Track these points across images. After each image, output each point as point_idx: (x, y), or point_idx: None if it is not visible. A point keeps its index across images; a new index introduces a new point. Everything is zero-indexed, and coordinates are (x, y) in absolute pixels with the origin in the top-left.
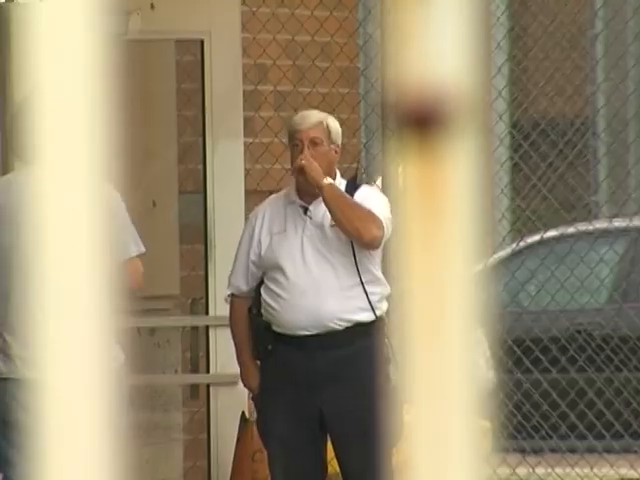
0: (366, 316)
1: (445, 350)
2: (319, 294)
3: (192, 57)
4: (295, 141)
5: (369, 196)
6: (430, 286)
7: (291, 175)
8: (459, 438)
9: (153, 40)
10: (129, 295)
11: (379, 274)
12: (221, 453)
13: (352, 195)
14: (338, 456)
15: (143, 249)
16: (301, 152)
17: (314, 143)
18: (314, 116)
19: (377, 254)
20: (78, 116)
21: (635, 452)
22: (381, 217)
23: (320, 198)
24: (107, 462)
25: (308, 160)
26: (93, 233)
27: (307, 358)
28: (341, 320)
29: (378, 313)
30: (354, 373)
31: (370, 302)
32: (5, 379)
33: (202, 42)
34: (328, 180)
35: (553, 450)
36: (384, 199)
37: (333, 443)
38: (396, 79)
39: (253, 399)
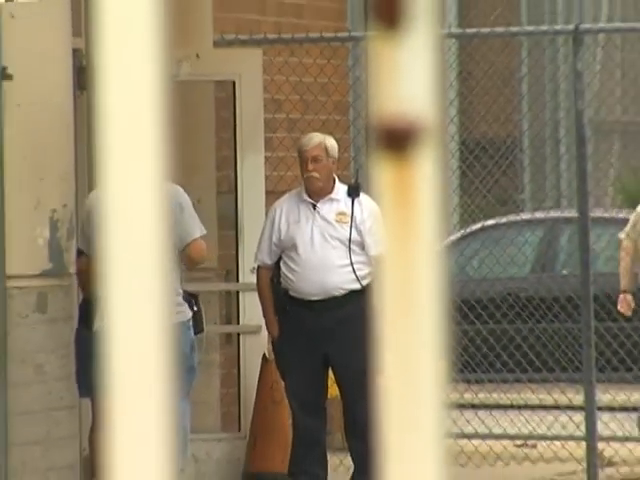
0: (356, 286)
1: (417, 307)
2: (323, 269)
3: (226, 93)
4: (302, 157)
5: (366, 202)
6: (404, 260)
7: (303, 181)
8: (428, 374)
9: (198, 81)
10: (196, 265)
11: (365, 258)
12: (248, 383)
13: (354, 200)
14: (338, 383)
15: (205, 231)
16: (307, 166)
17: (315, 159)
18: (316, 138)
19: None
20: (147, 134)
21: (551, 382)
22: (371, 214)
23: (324, 199)
24: (168, 395)
25: None
26: (158, 221)
27: (315, 316)
28: (340, 289)
29: (364, 283)
30: (348, 326)
31: (357, 276)
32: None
33: (234, 82)
34: None
35: (490, 380)
36: (372, 201)
37: (335, 374)
38: (377, 109)
39: (272, 344)
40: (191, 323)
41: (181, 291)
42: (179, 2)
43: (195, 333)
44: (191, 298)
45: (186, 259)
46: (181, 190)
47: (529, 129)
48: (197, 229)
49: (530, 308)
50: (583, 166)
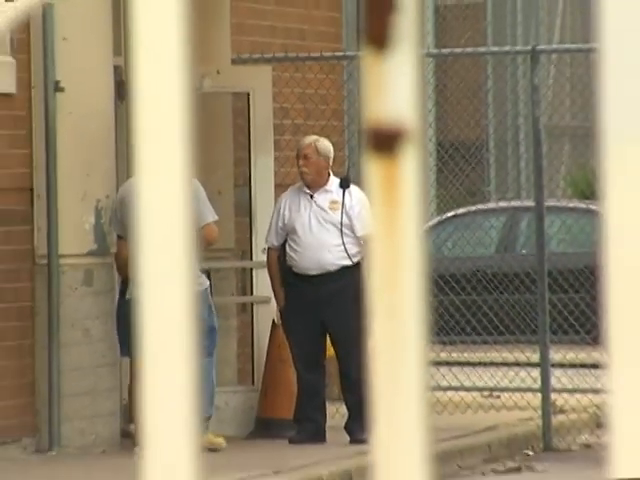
0: (347, 262)
1: (402, 281)
2: (320, 249)
3: (242, 104)
4: (297, 155)
5: (355, 192)
6: (392, 240)
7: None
8: (412, 337)
9: (218, 93)
10: (209, 246)
11: (354, 239)
12: (260, 344)
13: (345, 190)
14: (333, 344)
15: (216, 217)
16: (299, 161)
17: (305, 157)
18: (308, 139)
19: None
20: (175, 137)
21: (512, 343)
22: (366, 206)
23: (320, 189)
24: (192, 352)
25: None
26: (184, 207)
27: (313, 288)
28: (333, 264)
29: (354, 260)
30: (342, 296)
31: (348, 254)
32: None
33: (248, 94)
34: None
35: (462, 342)
36: (365, 197)
37: (330, 337)
38: (368, 116)
39: (279, 312)
40: (208, 291)
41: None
42: (202, 26)
43: None
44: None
45: (200, 240)
46: (194, 181)
47: (494, 133)
48: (209, 215)
49: (495, 282)
50: (539, 163)
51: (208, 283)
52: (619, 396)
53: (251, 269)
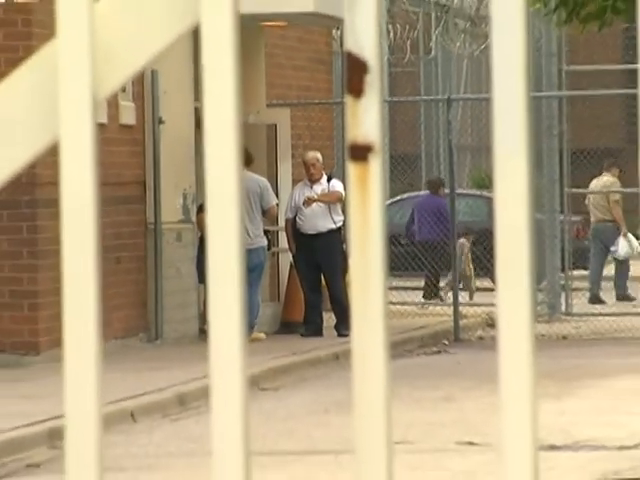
0: (332, 226)
1: (370, 237)
2: (315, 218)
3: (272, 132)
4: (306, 164)
5: (335, 183)
6: (364, 213)
7: (306, 175)
8: (376, 271)
9: (258, 124)
10: (272, 219)
11: (339, 209)
12: (282, 277)
13: (329, 181)
14: (324, 275)
15: (277, 201)
16: (308, 169)
17: (313, 165)
18: (311, 154)
19: (338, 203)
20: (231, 153)
21: (436, 276)
22: (341, 191)
23: (316, 183)
24: (242, 281)
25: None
26: (238, 195)
27: (311, 242)
28: (324, 227)
29: (337, 226)
30: (329, 246)
31: (333, 221)
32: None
33: (276, 125)
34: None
35: (405, 275)
36: (341, 184)
37: (322, 272)
38: (350, 137)
39: (292, 257)
40: (266, 246)
41: (262, 229)
42: (248, 84)
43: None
44: (266, 233)
45: (267, 216)
46: (264, 179)
47: (425, 149)
48: (273, 200)
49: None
50: (452, 168)
51: (266, 241)
52: (501, 307)
53: (278, 232)
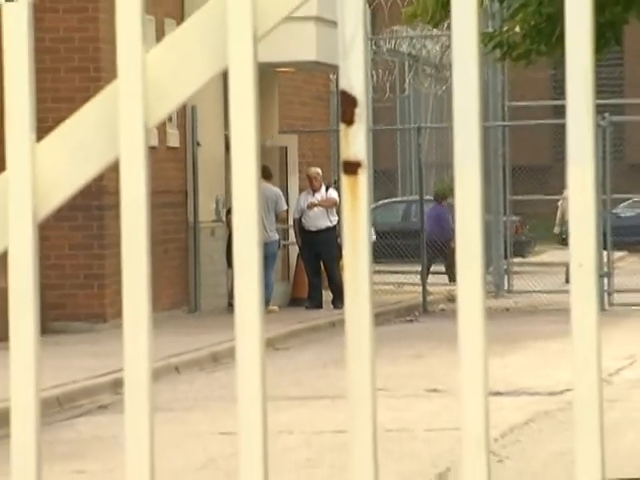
0: (329, 224)
1: (359, 234)
2: (316, 218)
3: (283, 153)
4: (309, 177)
5: (332, 192)
6: (355, 215)
7: (309, 186)
8: (363, 260)
9: (273, 147)
10: (283, 221)
11: (334, 211)
12: (291, 263)
13: (327, 190)
14: (323, 263)
15: (287, 207)
16: (310, 181)
17: (315, 179)
18: (313, 169)
19: (334, 207)
20: (251, 169)
21: (408, 262)
22: (336, 198)
23: (318, 192)
24: (259, 263)
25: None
26: (256, 201)
27: (313, 237)
28: (323, 225)
29: (333, 224)
30: (327, 240)
31: (330, 220)
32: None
33: (287, 148)
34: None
35: (384, 262)
36: (336, 192)
37: (322, 260)
38: (343, 156)
39: (299, 249)
40: (279, 240)
41: (275, 227)
42: (266, 115)
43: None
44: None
45: (279, 218)
46: (278, 189)
47: (400, 164)
48: (284, 206)
49: (395, 234)
50: (421, 180)
51: (278, 236)
52: (460, 286)
53: (288, 228)
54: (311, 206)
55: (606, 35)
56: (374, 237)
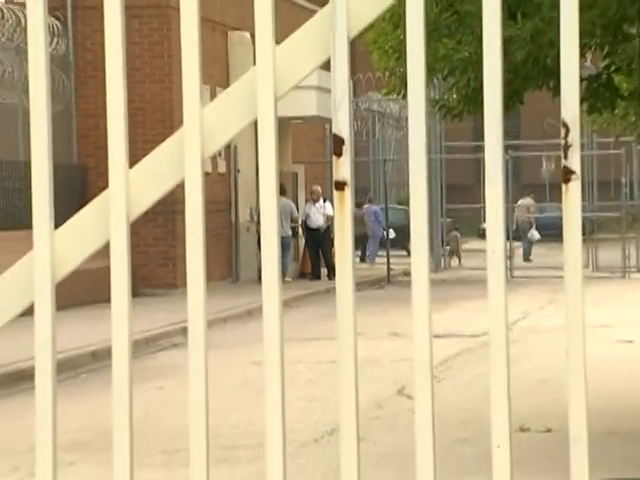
0: (325, 225)
1: (345, 234)
2: (316, 220)
3: (294, 177)
4: (311, 192)
5: (327, 204)
6: (343, 219)
7: (312, 197)
8: (347, 251)
9: (288, 171)
10: (295, 223)
11: (326, 216)
12: (300, 250)
13: (324, 202)
14: (322, 252)
15: (297, 214)
16: (312, 195)
17: (315, 193)
18: (315, 187)
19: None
20: (273, 187)
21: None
22: (330, 210)
23: (317, 203)
24: (276, 248)
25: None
26: (274, 208)
27: (314, 232)
28: (321, 225)
29: (328, 224)
30: (324, 237)
31: (327, 221)
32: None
33: (297, 173)
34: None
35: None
36: (330, 204)
37: (320, 249)
38: (336, 176)
39: (305, 242)
40: (292, 235)
41: (289, 227)
42: (281, 151)
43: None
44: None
45: (292, 220)
46: (291, 202)
47: (373, 184)
48: (295, 214)
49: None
50: (387, 194)
51: (291, 232)
52: (413, 264)
53: (297, 227)
54: (327, 220)
55: (512, 99)
56: (393, 235)
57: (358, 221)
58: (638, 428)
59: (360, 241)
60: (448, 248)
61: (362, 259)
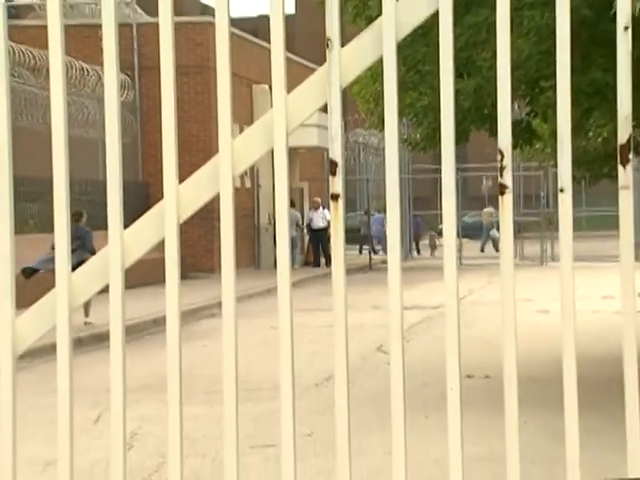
0: (324, 226)
1: (339, 233)
2: (318, 222)
3: (301, 192)
4: (312, 203)
5: (326, 212)
6: (337, 222)
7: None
8: (340, 243)
9: (297, 187)
10: (299, 227)
11: (327, 219)
12: (305, 245)
13: (323, 209)
14: (322, 248)
15: (302, 221)
16: (314, 204)
17: (316, 202)
18: (316, 198)
19: (328, 219)
20: (285, 202)
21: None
22: (328, 215)
23: (318, 210)
24: (285, 242)
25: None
26: (285, 216)
27: (316, 232)
28: (321, 225)
29: (326, 225)
30: (324, 235)
31: (326, 223)
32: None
33: (302, 189)
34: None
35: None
36: (327, 211)
37: (320, 245)
38: (332, 190)
39: (309, 238)
40: (297, 235)
41: (294, 228)
42: (291, 172)
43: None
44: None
45: (297, 226)
46: (298, 213)
47: (358, 197)
48: (300, 221)
49: (357, 230)
50: (368, 204)
51: (295, 233)
52: (389, 255)
53: (303, 229)
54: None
55: (461, 136)
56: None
57: (364, 224)
58: (552, 375)
59: (361, 240)
60: (427, 243)
61: (360, 252)
